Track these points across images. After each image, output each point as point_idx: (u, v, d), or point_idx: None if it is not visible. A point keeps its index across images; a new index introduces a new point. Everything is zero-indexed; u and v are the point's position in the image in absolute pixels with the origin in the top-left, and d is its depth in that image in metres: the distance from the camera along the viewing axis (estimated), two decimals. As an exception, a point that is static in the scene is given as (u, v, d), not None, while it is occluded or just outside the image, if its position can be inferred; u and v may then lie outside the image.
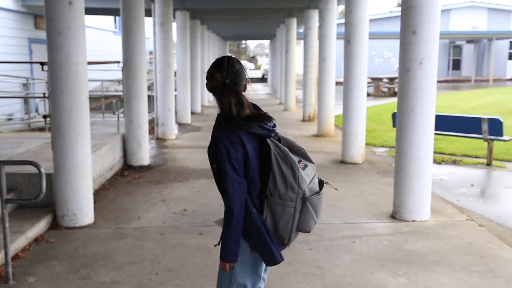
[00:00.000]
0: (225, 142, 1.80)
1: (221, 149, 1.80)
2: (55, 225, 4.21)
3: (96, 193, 5.22)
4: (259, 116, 1.84)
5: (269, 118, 1.87)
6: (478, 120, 6.95)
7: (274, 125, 1.89)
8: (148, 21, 13.39)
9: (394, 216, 4.43)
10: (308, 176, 1.86)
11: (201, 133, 9.63)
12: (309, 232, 1.88)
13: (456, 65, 29.85)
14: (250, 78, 1.95)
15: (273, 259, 1.86)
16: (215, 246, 2.09)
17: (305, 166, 1.87)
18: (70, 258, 3.54)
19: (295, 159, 1.84)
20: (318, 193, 1.87)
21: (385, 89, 19.83)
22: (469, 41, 29.05)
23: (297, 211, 1.83)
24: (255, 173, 1.84)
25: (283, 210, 1.82)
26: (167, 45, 8.81)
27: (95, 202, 4.74)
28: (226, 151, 1.79)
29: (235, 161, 1.79)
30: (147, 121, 6.78)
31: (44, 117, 5.54)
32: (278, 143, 1.86)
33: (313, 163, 1.92)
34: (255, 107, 1.90)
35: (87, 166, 4.23)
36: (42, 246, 3.77)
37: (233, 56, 1.90)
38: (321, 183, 1.93)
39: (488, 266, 3.36)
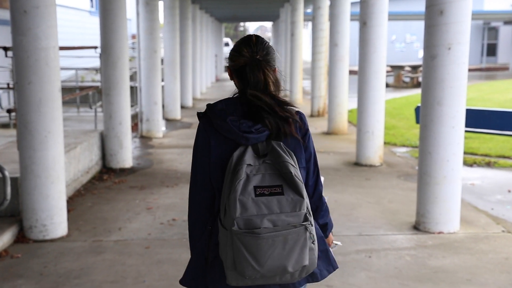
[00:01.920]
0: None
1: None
2: (21, 237, 4.22)
3: (70, 201, 5.23)
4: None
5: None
6: (516, 115, 6.95)
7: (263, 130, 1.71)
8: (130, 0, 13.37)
9: (417, 227, 4.43)
10: (261, 206, 1.60)
11: (192, 131, 9.63)
12: (247, 278, 1.61)
13: (491, 50, 29.85)
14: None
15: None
16: None
17: (272, 194, 1.62)
18: (39, 277, 3.54)
19: (241, 176, 1.62)
20: (253, 231, 1.57)
21: (407, 79, 19.85)
22: (507, 22, 29.00)
23: (229, 244, 1.61)
24: (217, 183, 1.79)
25: (221, 237, 1.67)
26: (152, 28, 8.81)
27: (68, 211, 4.74)
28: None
29: None
30: (129, 116, 6.78)
31: (9, 111, 5.54)
32: (246, 153, 1.69)
33: (300, 196, 1.63)
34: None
35: (59, 169, 4.23)
36: (6, 263, 3.77)
37: None
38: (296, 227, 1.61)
39: (528, 286, 3.36)
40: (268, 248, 1.59)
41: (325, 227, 1.90)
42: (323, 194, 1.90)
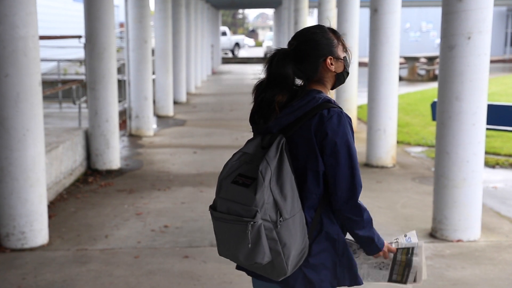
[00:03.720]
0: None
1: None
2: (-2, 246, 4.22)
3: (52, 205, 5.23)
4: None
5: None
6: (543, 112, 6.94)
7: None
8: (118, -15, 13.37)
9: (434, 234, 4.43)
10: (229, 191, 1.82)
11: (186, 128, 9.64)
12: (221, 256, 1.91)
13: (515, 40, 29.81)
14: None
15: None
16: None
17: (242, 184, 1.80)
18: (17, 289, 3.54)
19: (232, 162, 1.87)
20: (212, 211, 1.87)
21: (422, 72, 19.84)
22: (532, 9, 29.02)
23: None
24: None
25: None
26: (142, 16, 8.81)
27: (50, 217, 4.74)
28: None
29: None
30: (117, 113, 6.78)
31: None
32: (252, 141, 1.94)
33: (253, 194, 1.76)
34: None
35: (39, 171, 4.23)
36: (-18, 273, 3.77)
37: None
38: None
39: (555, 299, 3.35)
40: (219, 232, 1.86)
41: (360, 240, 2.01)
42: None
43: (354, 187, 1.88)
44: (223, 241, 1.86)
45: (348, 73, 1.99)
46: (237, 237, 1.79)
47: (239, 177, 1.81)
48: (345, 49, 1.98)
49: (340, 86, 2.00)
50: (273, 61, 1.90)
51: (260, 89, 1.92)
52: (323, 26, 2.00)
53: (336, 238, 1.92)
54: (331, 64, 1.93)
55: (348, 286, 1.95)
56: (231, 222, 1.79)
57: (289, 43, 1.97)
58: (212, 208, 1.87)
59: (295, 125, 1.87)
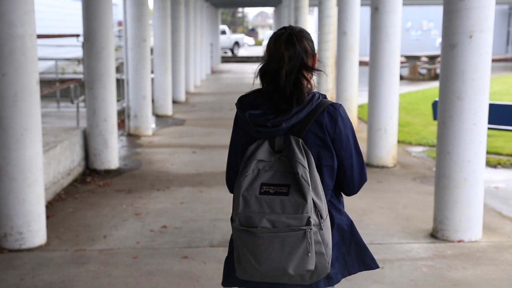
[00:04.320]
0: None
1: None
2: (-4, 246, 4.22)
3: (50, 206, 5.23)
4: None
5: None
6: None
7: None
8: (116, -17, 13.35)
9: (434, 235, 4.43)
10: (263, 204, 1.73)
11: (185, 128, 9.64)
12: (248, 276, 1.79)
13: (517, 39, 29.81)
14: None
15: None
16: None
17: (277, 193, 1.74)
18: (15, 290, 3.54)
19: (247, 172, 1.77)
20: (248, 229, 1.72)
21: (423, 71, 19.85)
22: (534, 8, 29.03)
23: (234, 238, 1.82)
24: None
25: (232, 228, 1.86)
26: (141, 14, 8.81)
27: (48, 217, 4.74)
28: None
29: None
30: (115, 112, 6.78)
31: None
32: (260, 147, 1.86)
33: (304, 199, 1.73)
34: None
35: (37, 171, 4.23)
36: (-21, 274, 3.77)
37: None
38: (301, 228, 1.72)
39: (557, 300, 3.36)
40: (266, 248, 1.72)
41: None
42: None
43: (365, 170, 1.97)
44: (267, 258, 1.73)
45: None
46: (291, 247, 1.71)
47: (265, 186, 1.75)
48: None
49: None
50: (292, 42, 1.84)
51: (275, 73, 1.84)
52: None
53: (345, 229, 1.96)
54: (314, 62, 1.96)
55: (360, 271, 2.00)
56: (282, 236, 1.71)
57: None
58: (248, 226, 1.73)
59: (306, 124, 1.84)
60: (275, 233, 1.71)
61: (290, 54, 1.83)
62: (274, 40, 1.87)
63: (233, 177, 1.98)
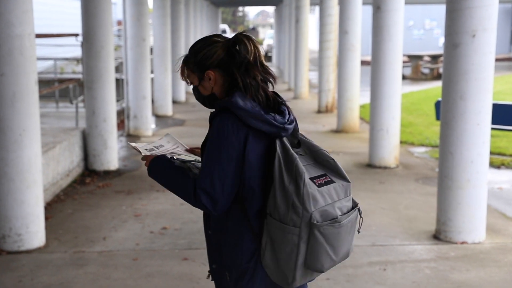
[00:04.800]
0: None
1: None
2: (-6, 248, 4.22)
3: (48, 207, 5.23)
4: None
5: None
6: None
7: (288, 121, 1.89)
8: (115, -18, 13.34)
9: (437, 236, 4.43)
10: (325, 196, 1.80)
11: (186, 128, 9.64)
12: (322, 272, 1.87)
13: (520, 38, 29.81)
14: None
15: None
16: (207, 278, 2.10)
17: (327, 182, 1.83)
18: (13, 292, 3.54)
19: (303, 170, 1.79)
20: (335, 220, 1.79)
21: (426, 70, 19.85)
22: (537, 7, 29.02)
23: (303, 240, 1.78)
24: (255, 183, 1.86)
25: (284, 237, 1.79)
26: (140, 13, 8.82)
27: (46, 219, 4.74)
28: None
29: None
30: (115, 112, 6.78)
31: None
32: (289, 147, 1.85)
33: (347, 181, 1.88)
34: None
35: (36, 172, 4.23)
36: (-23, 276, 3.77)
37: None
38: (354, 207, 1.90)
39: (562, 302, 3.36)
40: (345, 235, 1.84)
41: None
42: None
43: None
44: (343, 245, 1.85)
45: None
46: (353, 228, 1.89)
47: (315, 180, 1.83)
48: None
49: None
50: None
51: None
52: None
53: None
54: None
55: None
56: (352, 219, 1.86)
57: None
58: (329, 219, 1.79)
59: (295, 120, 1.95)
60: (349, 217, 1.84)
61: None
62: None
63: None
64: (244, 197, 1.87)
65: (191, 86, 2.00)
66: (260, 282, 1.87)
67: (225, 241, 1.92)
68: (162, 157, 1.97)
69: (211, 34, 2.04)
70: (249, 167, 1.84)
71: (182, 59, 1.97)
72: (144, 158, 1.99)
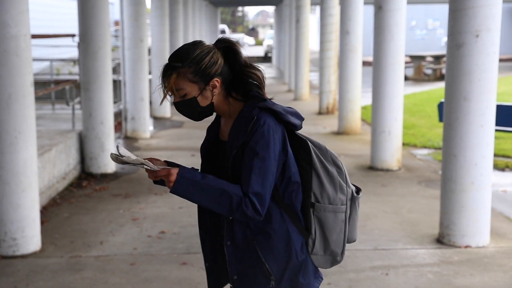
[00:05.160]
0: None
1: None
2: (-11, 253, 4.21)
3: (44, 211, 5.23)
4: None
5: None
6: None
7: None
8: (113, -19, 13.37)
9: (441, 240, 4.43)
10: (347, 179, 2.06)
11: (184, 130, 9.64)
12: (354, 241, 2.11)
13: (525, 38, 29.83)
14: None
15: None
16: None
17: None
18: (9, 297, 3.54)
19: (335, 154, 2.04)
20: (358, 191, 2.08)
21: (429, 71, 19.86)
22: (542, 6, 29.05)
23: (347, 216, 2.03)
24: (298, 177, 1.99)
25: (335, 217, 1.99)
26: (138, 14, 8.82)
27: (42, 223, 4.74)
28: None
29: None
30: (112, 114, 6.78)
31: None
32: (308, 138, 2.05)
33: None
34: None
35: (32, 175, 4.23)
36: (-28, 281, 3.77)
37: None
38: None
39: None
40: (357, 214, 2.11)
41: None
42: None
43: None
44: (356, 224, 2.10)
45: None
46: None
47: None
48: None
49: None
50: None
51: None
52: None
53: None
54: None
55: None
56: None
57: None
58: (356, 191, 2.08)
59: None
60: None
61: None
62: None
63: None
64: (289, 194, 1.93)
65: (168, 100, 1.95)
66: (311, 271, 1.98)
67: (271, 246, 1.91)
68: (187, 168, 1.87)
69: (195, 40, 2.01)
70: (292, 162, 1.94)
71: (169, 70, 1.87)
72: (159, 173, 1.83)
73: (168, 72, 1.88)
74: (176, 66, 1.88)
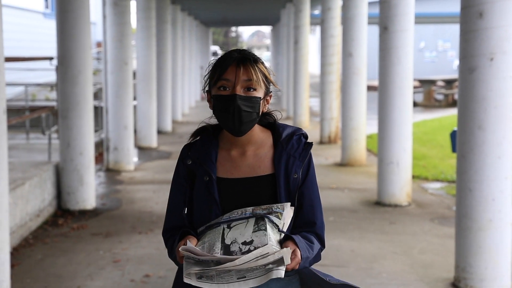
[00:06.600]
0: None
1: None
2: (-48, 300, 4.15)
3: (15, 252, 5.17)
4: None
5: None
6: None
7: None
8: None
9: (457, 284, 4.39)
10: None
11: (172, 162, 9.61)
12: None
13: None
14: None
15: None
16: None
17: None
18: None
19: None
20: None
21: (440, 97, 20.02)
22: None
23: None
24: None
25: None
26: (123, 34, 8.90)
27: (12, 266, 4.68)
28: None
29: None
30: (92, 144, 6.78)
31: None
32: None
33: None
34: None
35: (2, 212, 4.19)
36: None
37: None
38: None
39: None
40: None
41: None
42: None
43: None
44: None
45: (219, 113, 1.88)
46: None
47: None
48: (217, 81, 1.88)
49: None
50: None
51: None
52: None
53: None
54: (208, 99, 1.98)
55: None
56: None
57: None
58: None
59: None
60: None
61: None
62: None
63: None
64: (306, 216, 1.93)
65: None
66: None
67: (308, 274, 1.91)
68: (300, 240, 1.82)
69: (220, 53, 1.99)
70: None
71: (253, 57, 1.87)
72: (289, 267, 1.77)
73: (252, 59, 1.86)
74: (258, 59, 1.90)
